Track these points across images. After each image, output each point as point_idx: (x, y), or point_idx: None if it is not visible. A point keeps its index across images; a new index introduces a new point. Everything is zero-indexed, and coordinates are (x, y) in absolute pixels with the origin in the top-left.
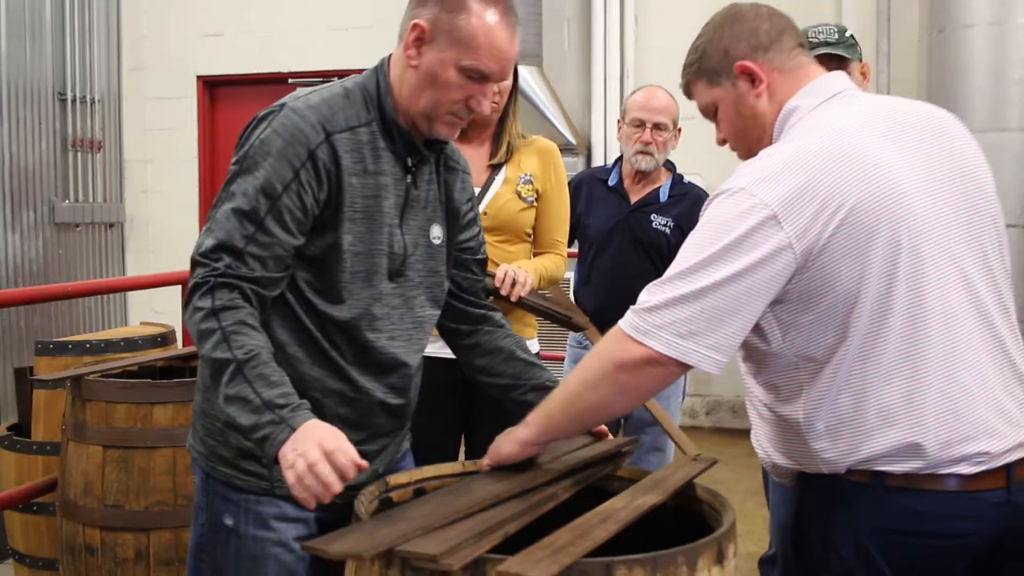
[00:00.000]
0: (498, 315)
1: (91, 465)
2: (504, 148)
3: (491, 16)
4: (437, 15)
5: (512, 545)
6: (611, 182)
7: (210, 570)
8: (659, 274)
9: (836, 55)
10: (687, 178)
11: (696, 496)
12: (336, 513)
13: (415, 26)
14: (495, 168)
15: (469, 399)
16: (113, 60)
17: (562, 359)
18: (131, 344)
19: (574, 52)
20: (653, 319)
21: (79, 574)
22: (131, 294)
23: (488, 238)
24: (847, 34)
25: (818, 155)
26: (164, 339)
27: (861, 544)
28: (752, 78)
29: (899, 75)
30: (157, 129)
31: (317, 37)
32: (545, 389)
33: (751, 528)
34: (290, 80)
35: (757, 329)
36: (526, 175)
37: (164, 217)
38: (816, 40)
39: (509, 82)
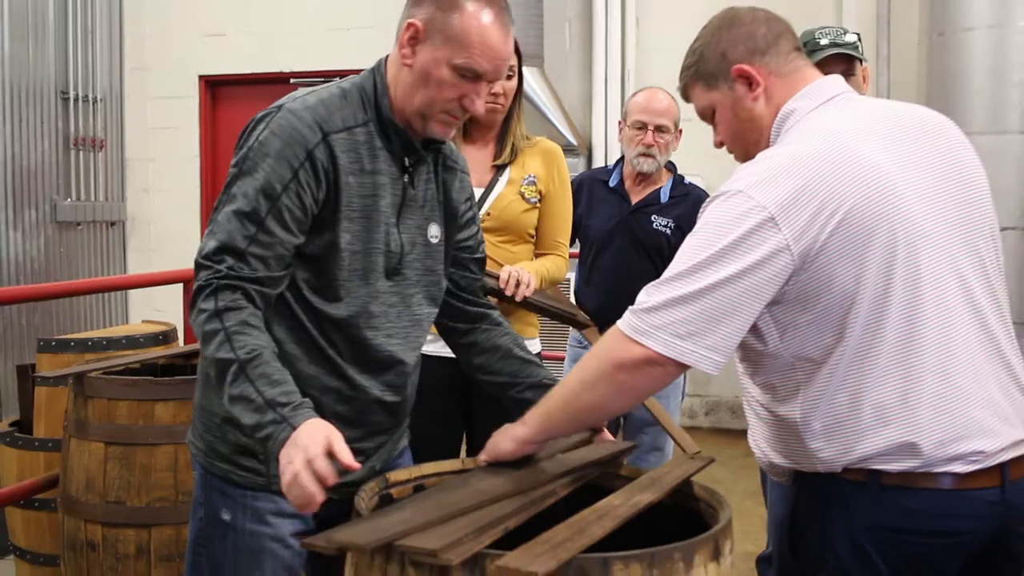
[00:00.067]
0: (495, 313)
1: (93, 461)
2: (508, 149)
3: (484, 15)
4: (431, 14)
5: (511, 541)
6: (612, 183)
7: (208, 564)
8: (659, 275)
9: (846, 55)
10: (688, 179)
11: (693, 494)
12: (334, 509)
13: (410, 25)
14: (499, 169)
15: (469, 398)
16: (115, 59)
17: (563, 359)
18: (133, 342)
19: (575, 53)
20: (652, 320)
21: (80, 570)
22: (132, 292)
23: (491, 238)
24: (854, 36)
25: (816, 158)
26: (166, 337)
27: (857, 542)
28: (749, 81)
29: (899, 78)
30: (159, 128)
31: (318, 37)
32: (542, 387)
33: (749, 528)
34: (291, 80)
35: (754, 330)
36: (530, 176)
37: (165, 216)
38: (826, 41)
39: (514, 84)
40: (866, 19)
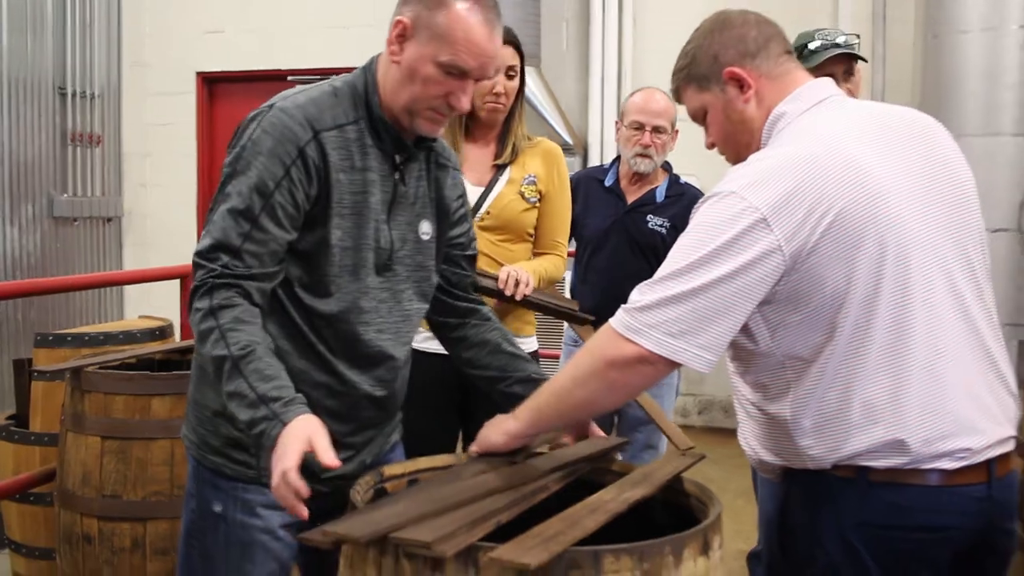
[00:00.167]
0: (485, 309)
1: (89, 455)
2: (509, 149)
3: (470, 13)
4: (419, 12)
5: (504, 534)
6: (608, 182)
7: (199, 555)
8: (654, 274)
9: (846, 55)
10: (683, 179)
11: (684, 490)
12: (325, 502)
13: (398, 22)
14: (499, 168)
15: (466, 394)
16: (113, 55)
17: (559, 357)
18: (129, 337)
19: (572, 53)
20: (644, 318)
21: (76, 563)
22: (128, 288)
23: (490, 237)
24: (853, 37)
25: (807, 160)
26: (162, 332)
27: (846, 539)
28: (741, 84)
29: (894, 79)
30: (156, 124)
31: (317, 35)
32: (531, 382)
33: (740, 527)
34: (289, 78)
35: (745, 329)
36: (530, 176)
37: (162, 212)
38: (828, 42)
39: (516, 84)
40: (862, 20)
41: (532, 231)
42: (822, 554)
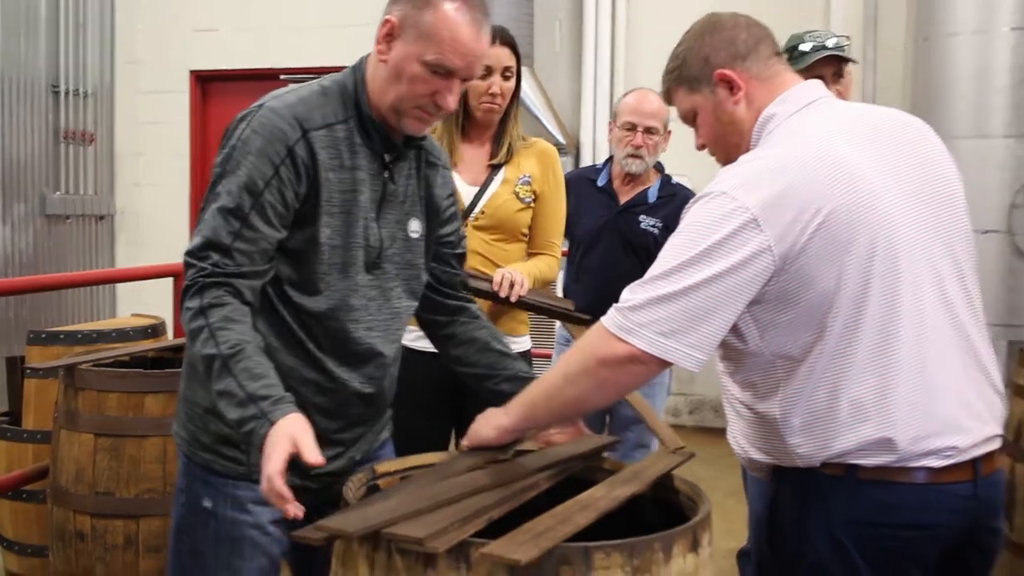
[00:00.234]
0: (474, 307)
1: (83, 453)
2: (504, 149)
3: (456, 12)
4: (406, 11)
5: (495, 531)
6: (600, 182)
7: (189, 551)
8: None
9: (838, 57)
10: (675, 179)
11: (674, 487)
12: (315, 499)
13: (386, 22)
14: (495, 168)
15: (459, 393)
16: (107, 53)
17: (551, 356)
18: (122, 335)
19: (565, 53)
20: (636, 317)
21: (69, 560)
22: (120, 286)
23: (485, 236)
24: (843, 39)
25: (797, 162)
26: (155, 330)
27: (835, 536)
28: (731, 85)
29: (885, 82)
30: (149, 123)
31: (311, 34)
32: (518, 379)
33: (731, 526)
34: (282, 76)
35: (735, 329)
36: (525, 176)
37: (154, 210)
38: (818, 44)
39: (511, 85)
40: (853, 23)
41: (526, 231)
42: (811, 552)
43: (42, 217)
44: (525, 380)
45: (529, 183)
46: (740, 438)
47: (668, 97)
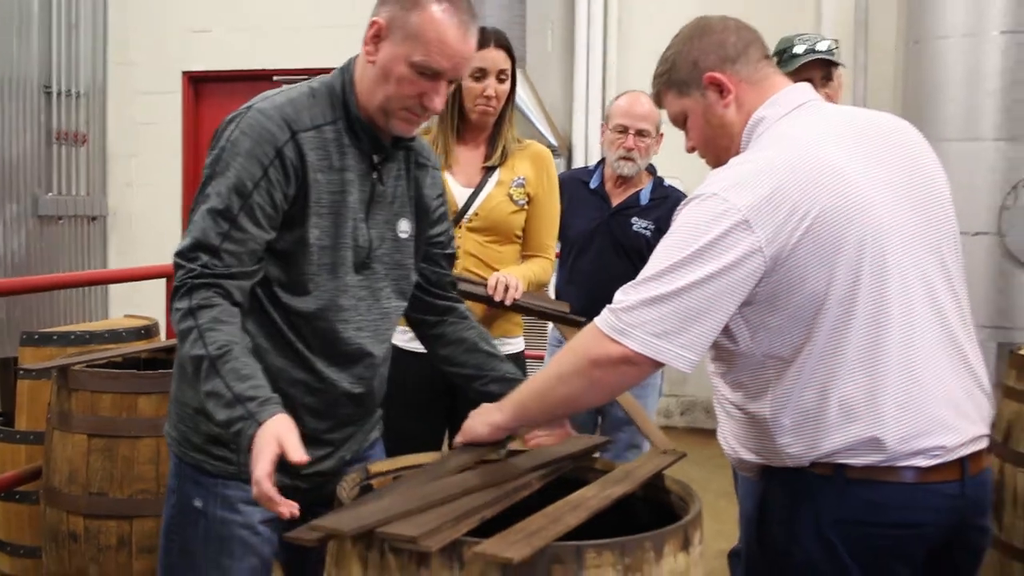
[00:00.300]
0: (463, 307)
1: (76, 453)
2: (499, 151)
3: (443, 14)
4: (394, 12)
5: (488, 530)
6: (593, 185)
7: (179, 550)
8: None
9: (824, 61)
10: (668, 181)
11: (665, 487)
12: (305, 498)
13: (373, 23)
14: (489, 170)
15: (452, 394)
16: (99, 54)
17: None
18: (115, 336)
19: (557, 55)
20: (629, 318)
21: (62, 561)
22: (113, 287)
23: (478, 238)
24: (832, 42)
25: (786, 164)
26: (147, 331)
27: (824, 535)
28: (720, 89)
29: (876, 85)
30: (142, 123)
31: (303, 35)
32: (506, 381)
33: (722, 527)
34: (275, 77)
35: (726, 330)
36: (519, 178)
37: (147, 211)
38: (807, 47)
39: (506, 87)
40: (843, 26)
41: (520, 233)
42: (800, 551)
43: (34, 218)
44: (513, 381)
45: (523, 185)
46: (730, 438)
47: (658, 100)
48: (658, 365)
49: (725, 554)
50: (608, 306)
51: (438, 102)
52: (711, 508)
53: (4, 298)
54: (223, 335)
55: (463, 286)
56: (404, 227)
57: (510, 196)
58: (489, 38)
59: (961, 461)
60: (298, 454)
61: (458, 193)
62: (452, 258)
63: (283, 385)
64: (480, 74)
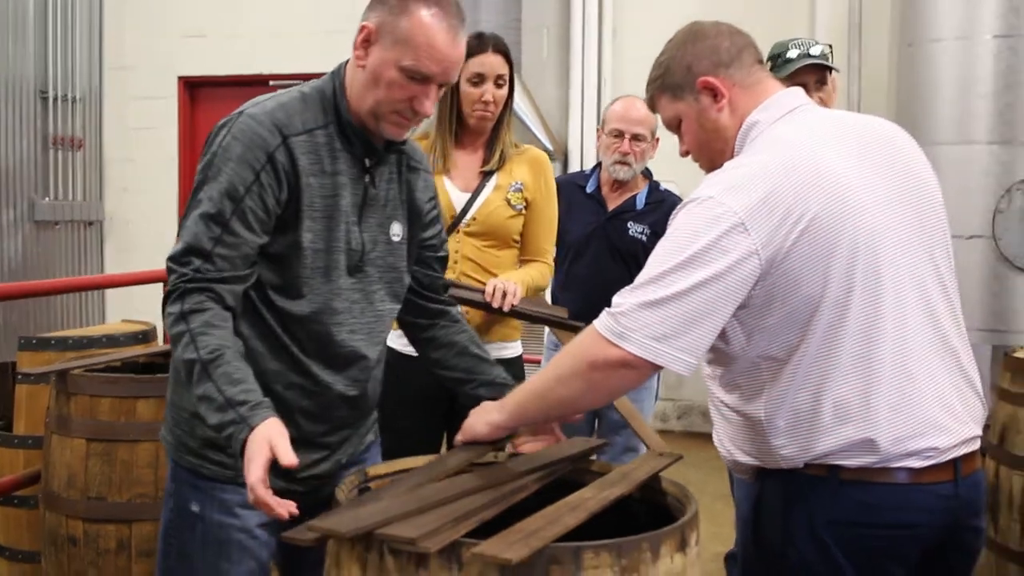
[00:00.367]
0: (454, 310)
1: (75, 458)
2: (497, 156)
3: (432, 19)
4: (383, 17)
5: (486, 532)
6: (589, 189)
7: (177, 554)
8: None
9: (820, 65)
10: (663, 185)
11: (662, 489)
12: (302, 501)
13: (363, 28)
14: (487, 175)
15: (452, 397)
16: (95, 59)
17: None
18: (113, 341)
19: (552, 60)
20: (627, 322)
21: (61, 565)
22: (109, 292)
23: (476, 243)
24: (826, 47)
25: (781, 167)
26: (145, 336)
27: (818, 536)
28: (714, 93)
29: (870, 88)
30: (138, 129)
31: (299, 40)
32: (496, 385)
33: (719, 530)
34: (271, 82)
35: (722, 333)
36: (516, 183)
37: (143, 216)
38: (801, 52)
39: (504, 92)
40: (838, 30)
41: (518, 237)
42: (794, 552)
43: (31, 223)
44: (502, 386)
45: (521, 190)
46: (725, 440)
47: (652, 105)
48: (657, 368)
49: (721, 557)
50: (606, 309)
51: (428, 106)
52: (708, 511)
53: (1, 303)
54: (215, 339)
55: (461, 292)
56: (396, 230)
57: (508, 201)
58: (487, 43)
59: (954, 462)
60: (289, 458)
61: (456, 197)
62: (444, 261)
63: (279, 388)
64: (478, 79)
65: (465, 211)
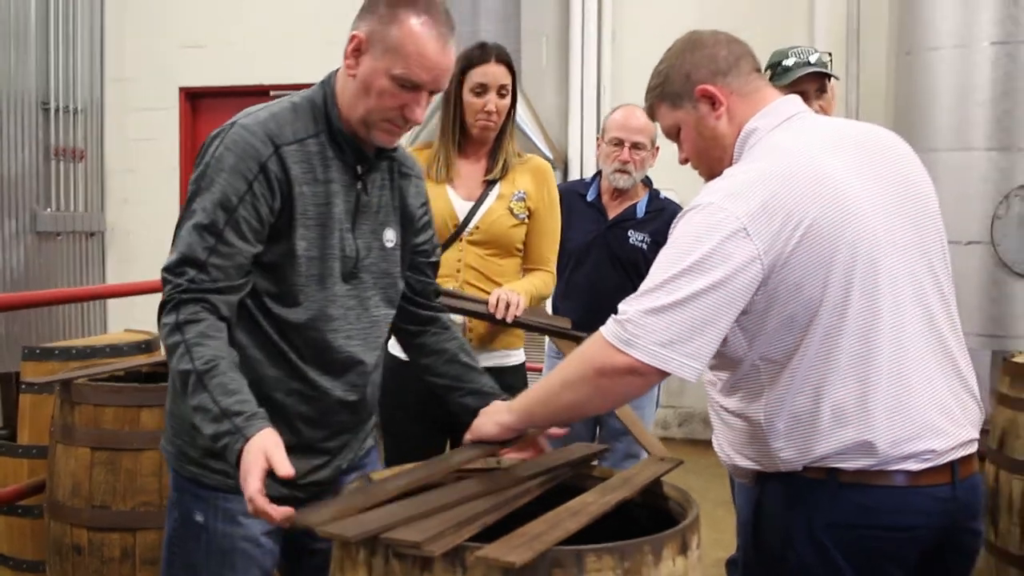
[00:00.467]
0: (445, 317)
1: (79, 467)
2: (500, 165)
3: (422, 27)
4: (373, 27)
5: (489, 536)
6: (590, 197)
7: (182, 564)
8: (636, 289)
9: (820, 73)
10: (663, 194)
11: (663, 493)
12: (307, 505)
13: (353, 37)
14: (490, 184)
15: None
16: (96, 71)
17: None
18: (116, 350)
19: (552, 68)
20: (634, 329)
21: (66, 574)
22: (111, 302)
23: (479, 251)
24: (825, 55)
25: (780, 174)
26: (148, 346)
27: (817, 539)
28: (712, 101)
29: (868, 96)
30: (139, 139)
31: (299, 50)
32: (482, 394)
33: (720, 536)
34: (271, 92)
35: (723, 338)
36: (519, 192)
37: (144, 226)
38: (801, 60)
39: (507, 102)
40: (836, 38)
41: (520, 246)
42: (794, 555)
43: (33, 234)
44: (489, 395)
45: (523, 199)
46: (725, 445)
47: (651, 113)
48: (664, 375)
49: (723, 563)
50: (613, 316)
51: (419, 113)
52: (709, 517)
53: (3, 314)
54: (210, 350)
55: (464, 304)
56: (390, 236)
57: (510, 210)
58: (490, 53)
59: (951, 465)
60: (285, 468)
61: (459, 207)
62: (436, 266)
63: (278, 395)
64: (481, 89)
65: (468, 220)
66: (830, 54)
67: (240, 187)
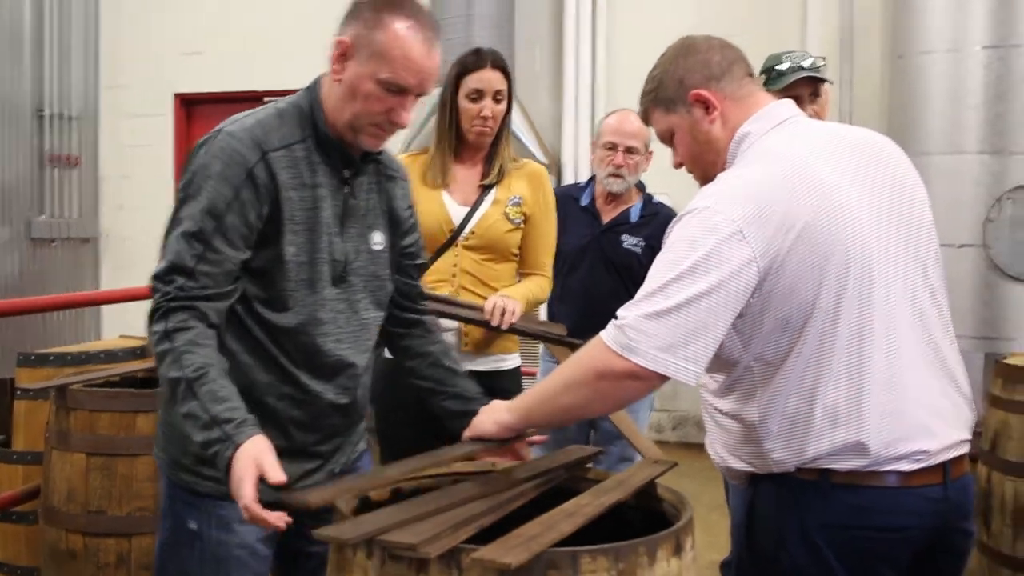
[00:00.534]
0: (428, 320)
1: (75, 472)
2: (496, 170)
3: (407, 31)
4: (358, 31)
5: (485, 538)
6: (584, 202)
7: (175, 571)
8: (630, 293)
9: (814, 78)
10: (657, 198)
11: (657, 495)
12: (298, 513)
13: (339, 42)
14: (485, 189)
15: None
16: (91, 77)
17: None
18: (111, 356)
19: (546, 73)
20: (634, 334)
21: None
22: (105, 308)
23: (475, 256)
24: (820, 59)
25: (774, 178)
26: (143, 351)
27: (810, 539)
28: (706, 106)
29: (861, 100)
30: (134, 146)
31: (294, 56)
32: (463, 398)
33: (714, 539)
34: (266, 99)
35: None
36: (515, 197)
37: (139, 233)
38: (795, 64)
39: (503, 108)
40: (829, 42)
41: (516, 251)
42: (787, 556)
43: (27, 240)
44: (470, 400)
45: (519, 204)
46: (718, 447)
47: (645, 118)
48: (664, 379)
49: (717, 565)
50: (613, 321)
51: (405, 117)
52: (703, 520)
53: None
54: (199, 357)
55: (459, 311)
56: (377, 239)
57: (506, 215)
58: (486, 59)
59: (943, 465)
60: (277, 475)
61: (455, 211)
62: (422, 268)
63: (270, 400)
64: (477, 95)
65: (464, 225)
66: (824, 59)
67: (227, 194)
